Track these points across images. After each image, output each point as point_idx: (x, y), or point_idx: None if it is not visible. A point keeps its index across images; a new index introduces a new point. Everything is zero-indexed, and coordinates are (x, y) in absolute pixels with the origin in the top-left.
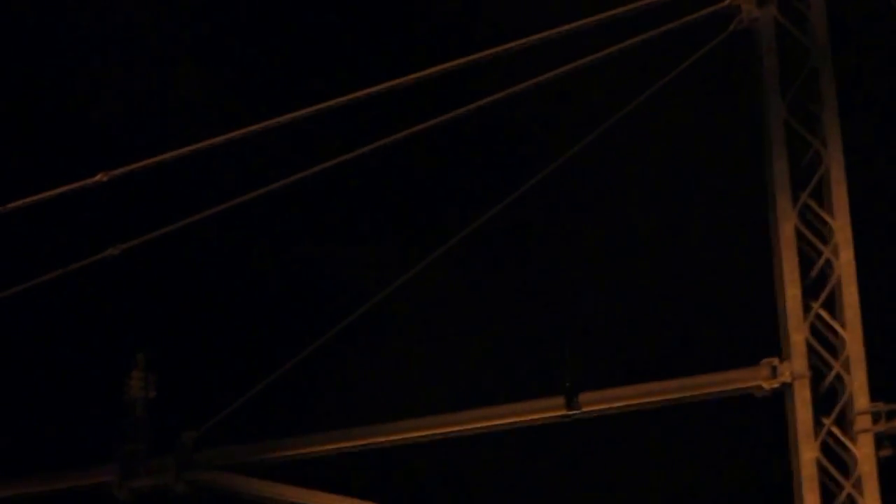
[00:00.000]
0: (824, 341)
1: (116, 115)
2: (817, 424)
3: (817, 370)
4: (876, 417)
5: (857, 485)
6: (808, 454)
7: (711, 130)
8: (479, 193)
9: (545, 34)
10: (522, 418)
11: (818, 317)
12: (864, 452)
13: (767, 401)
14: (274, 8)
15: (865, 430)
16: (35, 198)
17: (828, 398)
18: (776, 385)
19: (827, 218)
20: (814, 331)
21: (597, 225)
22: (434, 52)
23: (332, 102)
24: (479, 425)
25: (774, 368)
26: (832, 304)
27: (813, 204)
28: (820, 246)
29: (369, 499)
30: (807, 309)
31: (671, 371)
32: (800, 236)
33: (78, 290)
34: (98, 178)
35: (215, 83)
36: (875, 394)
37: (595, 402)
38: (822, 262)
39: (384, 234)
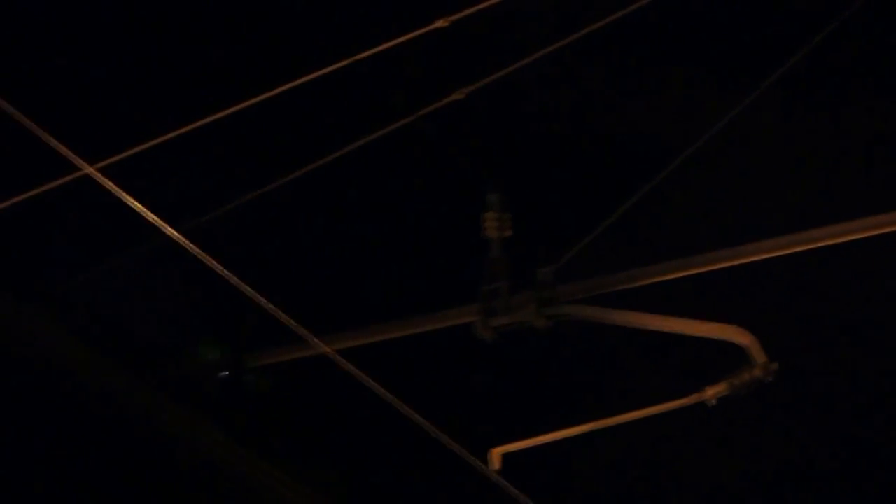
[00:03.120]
0: None
1: None
2: None
3: None
4: None
5: None
6: None
7: None
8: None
9: None
10: (874, 231)
11: None
12: None
13: None
14: None
15: None
16: (377, 49)
17: None
18: None
19: None
20: None
21: None
22: None
23: None
24: (832, 241)
25: None
26: None
27: None
28: None
29: (730, 322)
30: None
31: None
32: None
33: (427, 136)
34: (438, 23)
35: None
36: None
37: None
38: None
39: (727, 56)
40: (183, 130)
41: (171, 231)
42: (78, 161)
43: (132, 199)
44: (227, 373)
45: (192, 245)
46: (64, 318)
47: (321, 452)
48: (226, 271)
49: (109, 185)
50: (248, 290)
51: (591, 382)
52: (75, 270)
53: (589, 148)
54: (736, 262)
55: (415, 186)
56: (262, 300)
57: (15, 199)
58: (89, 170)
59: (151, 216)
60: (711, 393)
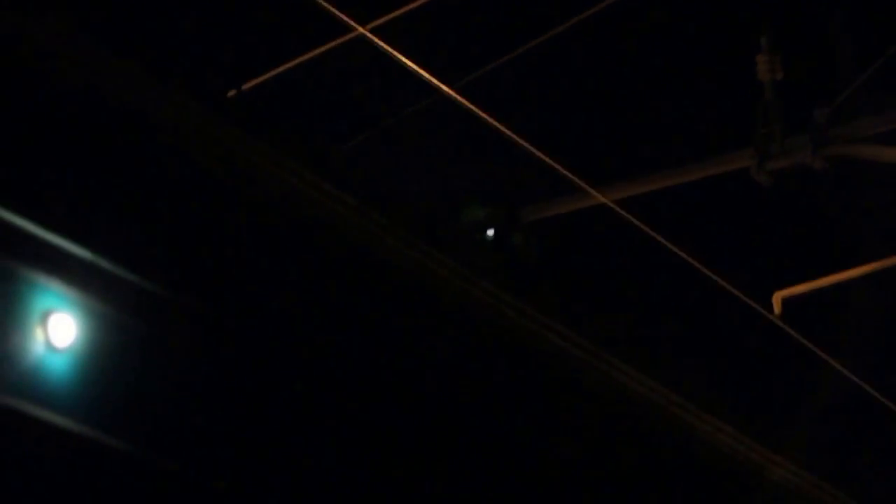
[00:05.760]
0: None
1: None
2: None
3: None
4: None
5: None
6: None
7: None
8: None
9: None
10: None
11: None
12: None
13: None
14: None
15: None
16: None
17: None
18: None
19: None
20: None
21: None
22: None
23: None
24: None
25: None
26: None
27: None
28: None
29: None
30: None
31: None
32: None
33: None
34: None
35: None
36: None
37: None
38: None
39: None
40: None
41: (445, 89)
42: (351, 23)
43: (405, 59)
44: (494, 230)
45: (467, 102)
46: (340, 179)
47: (601, 304)
48: (501, 126)
49: (383, 45)
50: (524, 144)
51: (871, 224)
52: (351, 132)
53: None
54: None
55: (685, 33)
56: (539, 153)
57: (291, 63)
58: (362, 30)
59: (425, 75)
60: None
